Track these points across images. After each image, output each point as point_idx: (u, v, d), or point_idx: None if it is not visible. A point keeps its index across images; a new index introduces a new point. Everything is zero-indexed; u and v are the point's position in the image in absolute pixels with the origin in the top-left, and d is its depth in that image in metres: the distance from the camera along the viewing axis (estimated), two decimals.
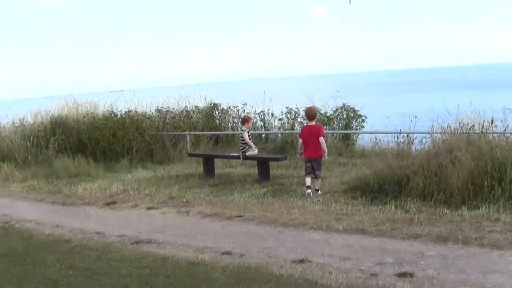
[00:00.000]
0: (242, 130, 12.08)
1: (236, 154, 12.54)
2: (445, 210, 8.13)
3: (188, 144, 16.52)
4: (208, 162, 12.99)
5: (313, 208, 9.08)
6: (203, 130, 17.57)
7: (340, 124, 15.74)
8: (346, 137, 15.24)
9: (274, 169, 13.01)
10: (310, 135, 10.16)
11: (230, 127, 18.31)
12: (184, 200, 10.61)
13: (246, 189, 11.08)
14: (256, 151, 12.08)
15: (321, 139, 10.02)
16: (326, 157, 10.22)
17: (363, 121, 15.52)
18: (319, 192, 10.15)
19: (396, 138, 12.53)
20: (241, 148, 12.10)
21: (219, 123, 18.36)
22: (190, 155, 14.30)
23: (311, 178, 10.18)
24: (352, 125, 15.61)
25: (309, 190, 10.02)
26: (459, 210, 8.04)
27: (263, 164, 11.90)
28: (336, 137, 14.99)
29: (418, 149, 10.38)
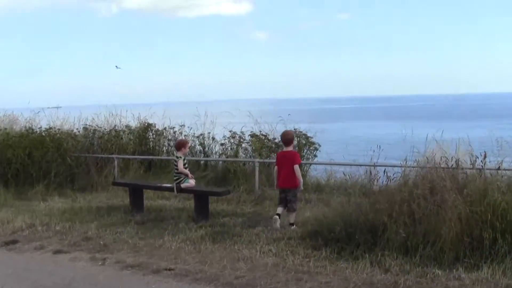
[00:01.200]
0: (177, 157, 10.04)
1: (169, 185, 10.50)
2: (436, 270, 6.34)
3: (116, 169, 14.38)
4: (136, 193, 10.90)
5: (264, 261, 7.16)
6: (134, 153, 15.45)
7: None
8: None
9: (214, 203, 11.08)
10: (284, 162, 9.16)
11: (165, 151, 16.23)
12: (102, 243, 8.49)
13: (179, 230, 9.05)
14: (193, 182, 10.09)
15: (296, 167, 9.02)
16: (301, 187, 9.25)
17: (316, 149, 13.73)
18: (294, 227, 8.90)
19: (364, 172, 11.04)
20: (175, 178, 10.08)
21: (152, 145, 16.26)
22: (114, 184, 12.11)
23: (283, 209, 9.20)
24: (304, 153, 13.80)
25: (277, 220, 8.95)
26: (454, 271, 6.27)
27: (201, 199, 9.90)
28: None
29: (389, 186, 8.61)
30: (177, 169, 9.92)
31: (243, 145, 14.10)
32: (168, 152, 16.02)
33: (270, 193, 11.88)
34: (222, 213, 10.38)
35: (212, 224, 9.32)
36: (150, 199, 12.02)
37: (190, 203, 10.77)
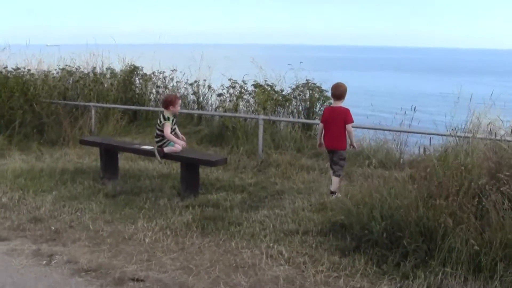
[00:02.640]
0: (164, 118, 7.71)
1: (150, 147, 8.25)
2: None
3: (93, 120, 12.15)
4: (109, 155, 8.67)
5: (273, 273, 5.02)
6: (116, 102, 13.22)
7: (301, 107, 11.68)
8: (308, 127, 11.20)
9: (207, 169, 8.93)
10: (333, 119, 7.68)
11: (152, 99, 14.00)
12: (54, 228, 6.34)
13: (159, 210, 6.91)
14: (179, 147, 7.82)
15: (349, 127, 7.57)
16: (355, 146, 7.86)
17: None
18: (336, 195, 7.50)
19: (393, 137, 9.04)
20: (156, 140, 7.85)
21: (139, 93, 14.00)
22: (82, 142, 9.73)
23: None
24: (317, 110, 11.57)
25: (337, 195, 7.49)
26: None
27: (189, 168, 7.69)
28: (294, 126, 10.86)
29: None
30: (160, 131, 7.68)
31: (245, 97, 11.84)
32: (156, 101, 13.82)
33: (276, 158, 9.74)
34: (217, 185, 8.24)
35: (203, 203, 7.14)
36: (129, 160, 9.88)
37: (178, 167, 8.58)
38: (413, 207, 5.32)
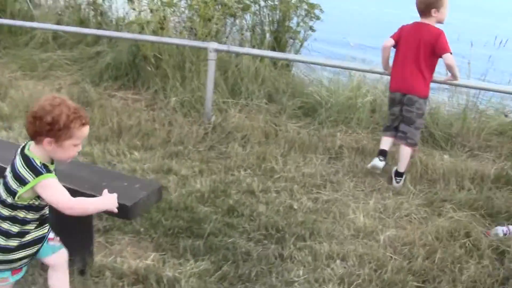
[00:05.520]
0: (31, 168, 2.26)
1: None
2: None
3: None
4: None
5: None
6: None
7: (266, 20, 7.10)
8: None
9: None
10: (415, 43, 4.46)
11: None
12: None
13: None
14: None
15: (448, 58, 4.34)
16: (458, 78, 4.62)
17: (317, 18, 6.96)
18: (399, 182, 4.56)
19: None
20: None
21: None
22: None
23: (392, 138, 4.71)
24: (293, 23, 7.01)
25: (380, 163, 4.54)
26: None
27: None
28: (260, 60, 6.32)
29: None
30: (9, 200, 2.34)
31: (175, 2, 6.87)
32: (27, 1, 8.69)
33: (239, 119, 5.42)
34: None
35: None
36: None
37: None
38: None
